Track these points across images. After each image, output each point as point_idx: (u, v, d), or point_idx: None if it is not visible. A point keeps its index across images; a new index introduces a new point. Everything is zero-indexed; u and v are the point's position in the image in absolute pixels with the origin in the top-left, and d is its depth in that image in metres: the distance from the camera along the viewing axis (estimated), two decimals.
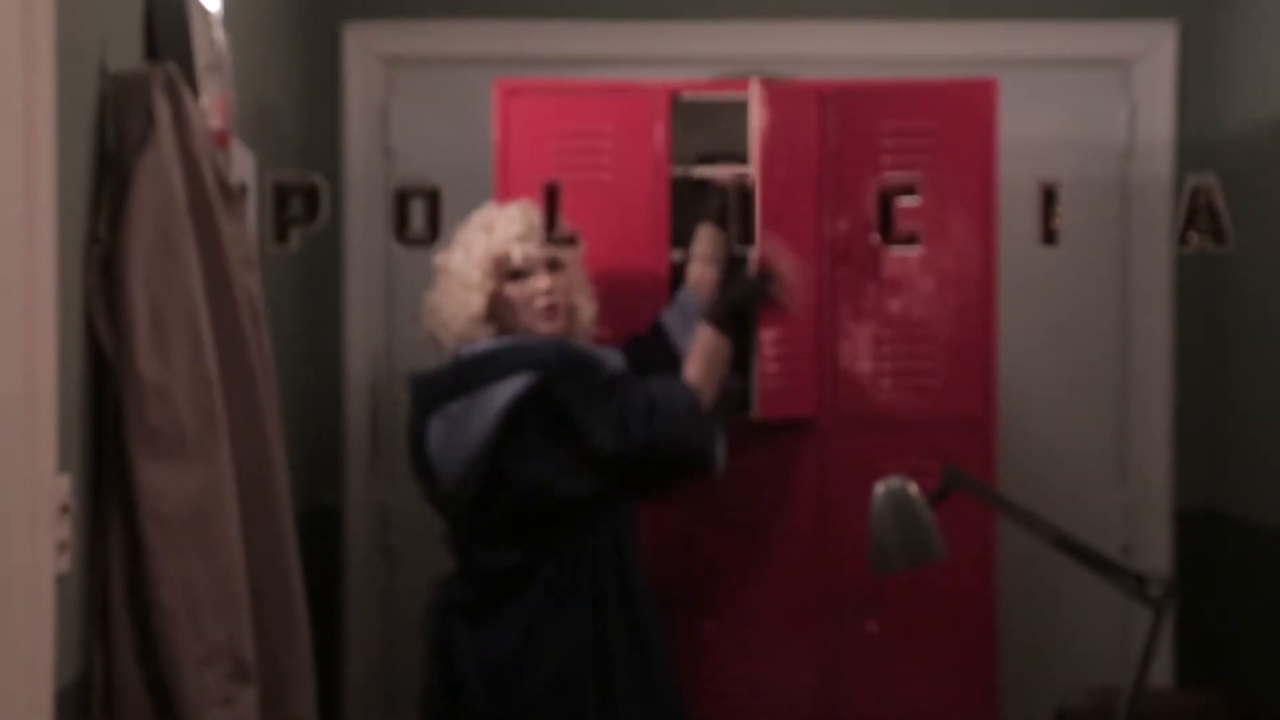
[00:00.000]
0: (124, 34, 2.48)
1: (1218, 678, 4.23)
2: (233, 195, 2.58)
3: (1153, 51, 4.30)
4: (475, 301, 3.33)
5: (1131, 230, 4.33)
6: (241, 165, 3.06)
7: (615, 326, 3.59)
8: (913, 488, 2.98)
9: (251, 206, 3.14)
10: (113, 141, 2.34)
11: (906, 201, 3.58)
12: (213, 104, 2.68)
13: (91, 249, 2.28)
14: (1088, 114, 4.34)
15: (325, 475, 4.25)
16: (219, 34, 2.79)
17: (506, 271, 3.35)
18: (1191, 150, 4.27)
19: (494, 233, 3.36)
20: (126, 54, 2.46)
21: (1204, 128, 4.29)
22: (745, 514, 3.70)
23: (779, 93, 3.62)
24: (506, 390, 3.19)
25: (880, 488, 3.00)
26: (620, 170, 3.67)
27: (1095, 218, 4.32)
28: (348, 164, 4.27)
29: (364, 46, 4.29)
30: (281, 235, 3.47)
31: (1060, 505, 3.94)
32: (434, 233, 3.55)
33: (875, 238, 3.63)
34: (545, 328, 3.35)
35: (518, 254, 3.33)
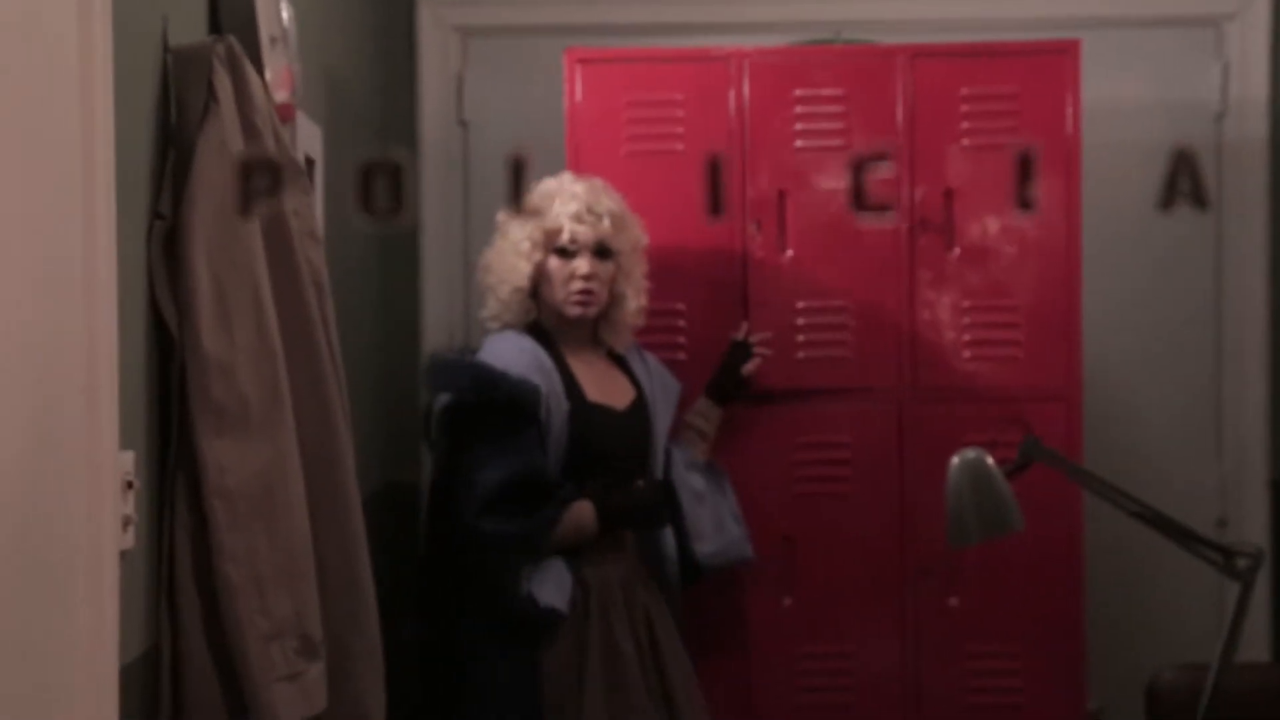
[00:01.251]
0: (188, 9, 2.46)
1: None
2: (297, 169, 2.56)
3: (1246, 8, 4.19)
4: (522, 270, 3.36)
5: (1225, 193, 4.23)
6: (309, 139, 3.04)
7: (687, 297, 3.56)
8: (989, 459, 2.93)
9: (319, 179, 3.13)
10: (174, 116, 2.32)
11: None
12: (277, 77, 2.66)
13: (154, 225, 2.27)
14: (1178, 74, 4.23)
15: (404, 451, 4.24)
16: (285, 6, 2.77)
17: (553, 246, 3.36)
18: None
19: (552, 205, 3.37)
20: (190, 29, 2.45)
21: None
22: (825, 488, 3.65)
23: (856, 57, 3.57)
24: (440, 403, 3.31)
25: (956, 460, 2.95)
26: (694, 139, 3.63)
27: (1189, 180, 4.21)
28: (423, 136, 4.26)
29: (438, 18, 4.27)
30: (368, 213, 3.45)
31: (1152, 478, 3.89)
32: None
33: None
34: (574, 312, 3.38)
35: (567, 231, 3.34)
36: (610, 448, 3.38)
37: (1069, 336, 3.62)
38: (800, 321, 3.65)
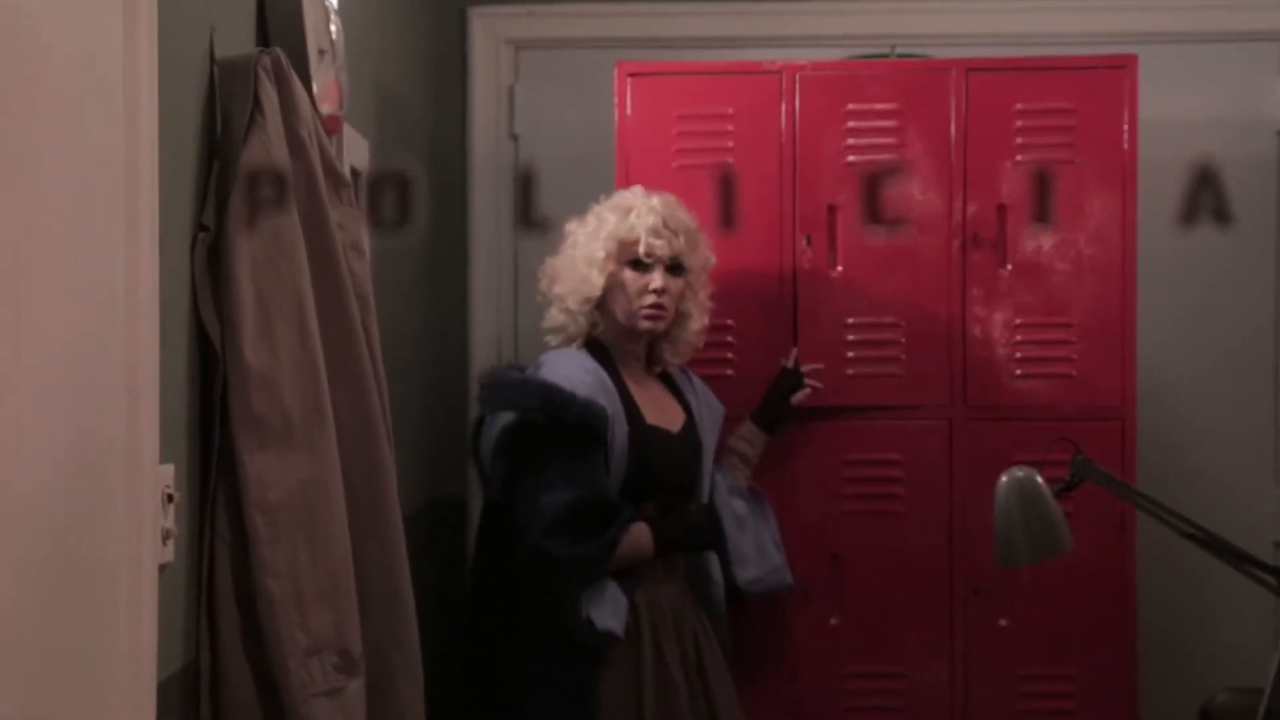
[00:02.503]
0: (236, 21, 2.46)
1: None
2: (342, 181, 2.55)
3: None
4: (594, 281, 3.31)
5: None
6: (355, 151, 3.04)
7: (736, 313, 3.54)
8: (1039, 478, 2.88)
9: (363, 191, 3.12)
10: (219, 128, 2.32)
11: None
12: (325, 90, 2.66)
13: (198, 237, 2.26)
14: (1238, 90, 4.18)
15: (451, 467, 4.23)
16: (334, 19, 2.77)
17: (628, 258, 3.32)
18: None
19: (629, 216, 3.32)
20: (238, 41, 2.45)
21: None
22: (874, 506, 3.62)
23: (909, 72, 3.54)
24: (501, 420, 3.24)
25: (1005, 479, 2.91)
26: (744, 153, 3.61)
27: (1248, 197, 4.16)
28: (473, 149, 4.25)
29: (489, 30, 4.26)
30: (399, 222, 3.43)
31: (1209, 498, 3.84)
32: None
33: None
34: (644, 325, 3.33)
35: (644, 244, 3.30)
36: (666, 471, 3.34)
37: (1124, 354, 3.57)
38: (850, 338, 3.62)
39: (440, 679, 2.64)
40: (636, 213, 3.32)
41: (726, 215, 3.26)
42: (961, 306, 3.59)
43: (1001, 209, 3.56)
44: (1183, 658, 4.13)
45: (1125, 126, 3.55)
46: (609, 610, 3.18)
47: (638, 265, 3.32)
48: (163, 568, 2.11)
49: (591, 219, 3.37)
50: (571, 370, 3.26)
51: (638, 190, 3.40)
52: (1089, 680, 3.59)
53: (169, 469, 2.13)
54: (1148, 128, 3.61)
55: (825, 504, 3.61)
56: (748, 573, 3.46)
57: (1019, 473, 2.90)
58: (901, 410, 3.61)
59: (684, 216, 3.36)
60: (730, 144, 3.62)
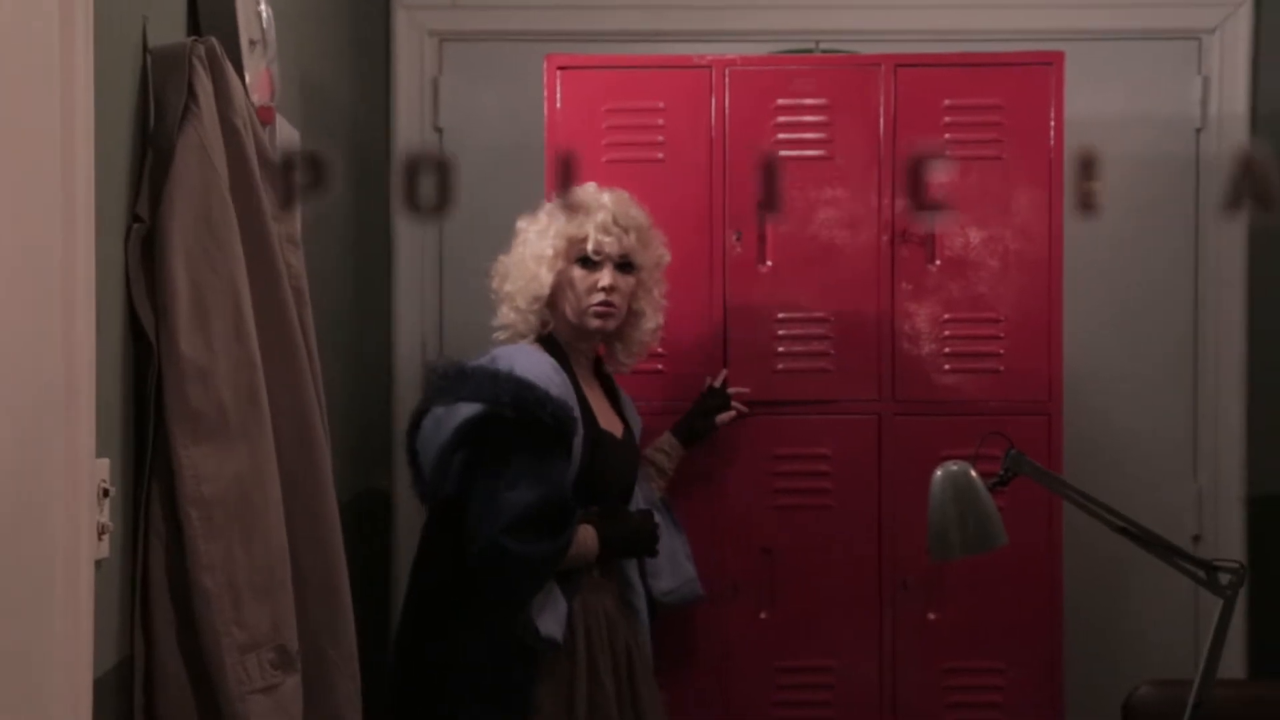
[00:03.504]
0: (168, 10, 2.43)
1: None
2: (277, 172, 2.52)
3: (1226, 23, 4.18)
4: (543, 278, 3.27)
5: (1205, 206, 4.21)
6: (287, 142, 3.00)
7: (667, 311, 3.53)
8: (973, 472, 2.90)
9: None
10: (153, 118, 2.28)
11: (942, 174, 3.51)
12: (257, 80, 2.63)
13: (132, 228, 2.23)
14: (1159, 88, 4.22)
15: (376, 459, 4.20)
16: (264, 9, 2.73)
17: (577, 255, 3.28)
18: (1266, 124, 4.15)
19: (578, 213, 3.29)
20: (170, 30, 2.41)
21: (1279, 101, 4.17)
22: (804, 500, 3.63)
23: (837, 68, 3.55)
24: (463, 411, 3.14)
25: (939, 473, 2.92)
26: (674, 148, 3.61)
27: (1167, 194, 4.21)
28: (397, 141, 4.22)
29: (413, 23, 4.23)
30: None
31: (1130, 492, 3.88)
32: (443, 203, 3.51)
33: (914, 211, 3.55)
34: (594, 324, 3.29)
35: (593, 241, 3.26)
36: (613, 476, 3.30)
37: (1050, 350, 3.60)
38: (780, 333, 3.63)
39: (366, 674, 2.61)
40: (586, 209, 3.29)
41: (770, 200, 3.28)
42: (890, 302, 3.61)
43: (911, 205, 3.57)
44: (1106, 651, 4.17)
45: (1052, 123, 3.58)
46: (551, 616, 3.13)
47: (587, 263, 3.27)
48: (99, 563, 2.08)
49: (542, 216, 3.33)
50: (538, 368, 3.19)
51: (589, 187, 3.35)
52: (1016, 673, 3.62)
53: (104, 463, 2.10)
54: (1073, 125, 3.64)
55: (755, 498, 3.62)
56: (662, 584, 3.44)
57: (953, 467, 2.91)
58: (831, 405, 3.62)
59: (635, 213, 3.32)
60: (660, 138, 3.61)
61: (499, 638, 3.13)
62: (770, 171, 3.11)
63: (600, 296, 3.26)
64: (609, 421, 3.33)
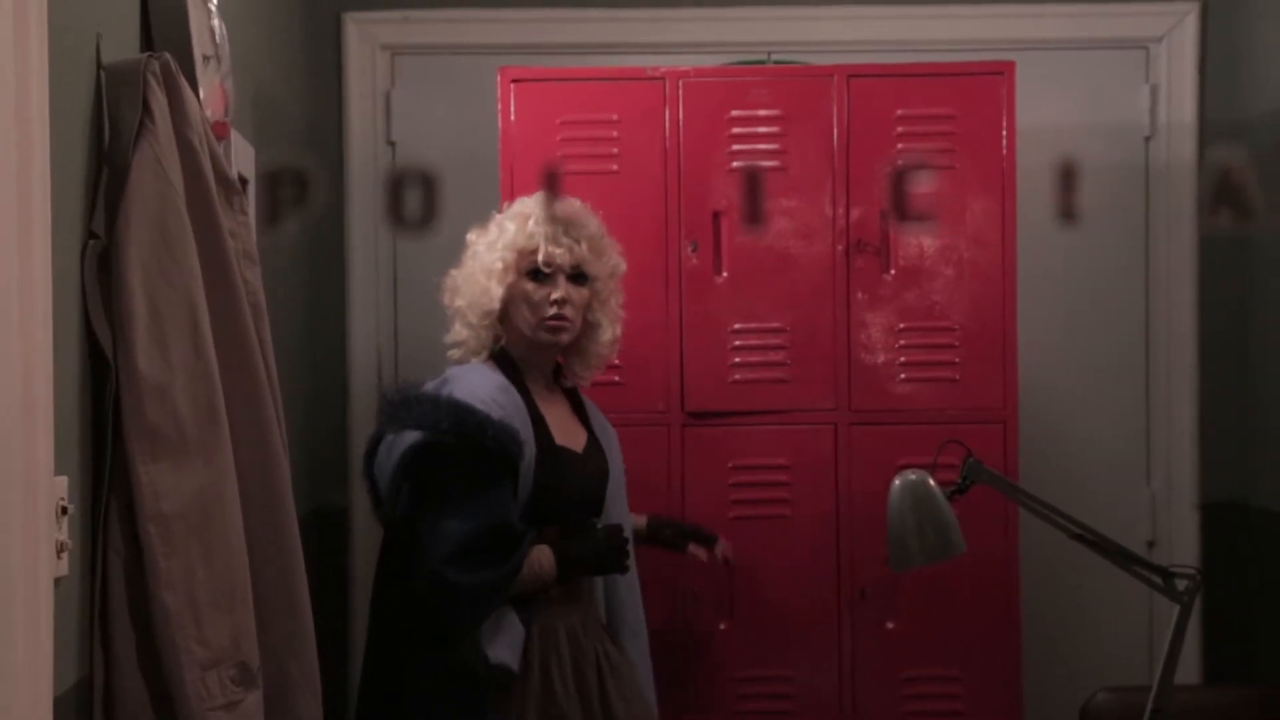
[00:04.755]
0: (120, 26, 2.41)
1: (1247, 674, 4.15)
2: (232, 188, 2.51)
3: (1174, 32, 4.22)
4: (494, 293, 3.18)
5: (1154, 214, 4.25)
6: (242, 157, 2.99)
7: (624, 323, 3.53)
8: (931, 481, 2.91)
9: (251, 198, 3.08)
10: (108, 134, 2.27)
11: (921, 185, 3.52)
12: (211, 95, 2.62)
13: (88, 245, 2.22)
14: (1108, 96, 4.26)
15: (332, 475, 4.18)
16: (218, 24, 2.72)
17: (528, 268, 3.19)
18: (1215, 132, 4.19)
19: (528, 224, 3.21)
20: (123, 46, 2.40)
21: (1227, 109, 4.21)
22: (761, 510, 3.63)
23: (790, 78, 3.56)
24: (407, 439, 3.06)
25: (898, 482, 2.93)
26: (629, 159, 3.61)
27: (1117, 202, 4.24)
28: (350, 155, 4.21)
29: (365, 36, 4.22)
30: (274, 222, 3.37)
31: (1084, 499, 3.90)
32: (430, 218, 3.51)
33: (890, 220, 3.56)
34: (546, 338, 3.21)
35: (543, 253, 3.18)
36: (572, 493, 3.19)
37: (1005, 358, 3.62)
38: (736, 343, 3.63)
39: (327, 690, 2.59)
40: (534, 220, 3.20)
41: (753, 212, 3.21)
42: (846, 311, 3.62)
43: (884, 214, 3.60)
44: (1063, 658, 4.19)
45: (1004, 132, 3.60)
46: (503, 642, 3.03)
47: (538, 275, 3.18)
48: (58, 581, 2.06)
49: (492, 228, 3.26)
50: (483, 389, 3.11)
51: (539, 196, 3.28)
52: (974, 681, 3.63)
53: (63, 481, 2.09)
54: (1024, 134, 3.66)
55: (713, 509, 3.62)
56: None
57: (911, 475, 2.92)
58: (787, 415, 3.63)
59: (587, 222, 3.25)
60: (615, 150, 3.62)
61: (450, 664, 3.04)
62: (753, 183, 3.08)
63: (553, 310, 3.18)
64: (568, 436, 3.24)
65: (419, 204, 3.63)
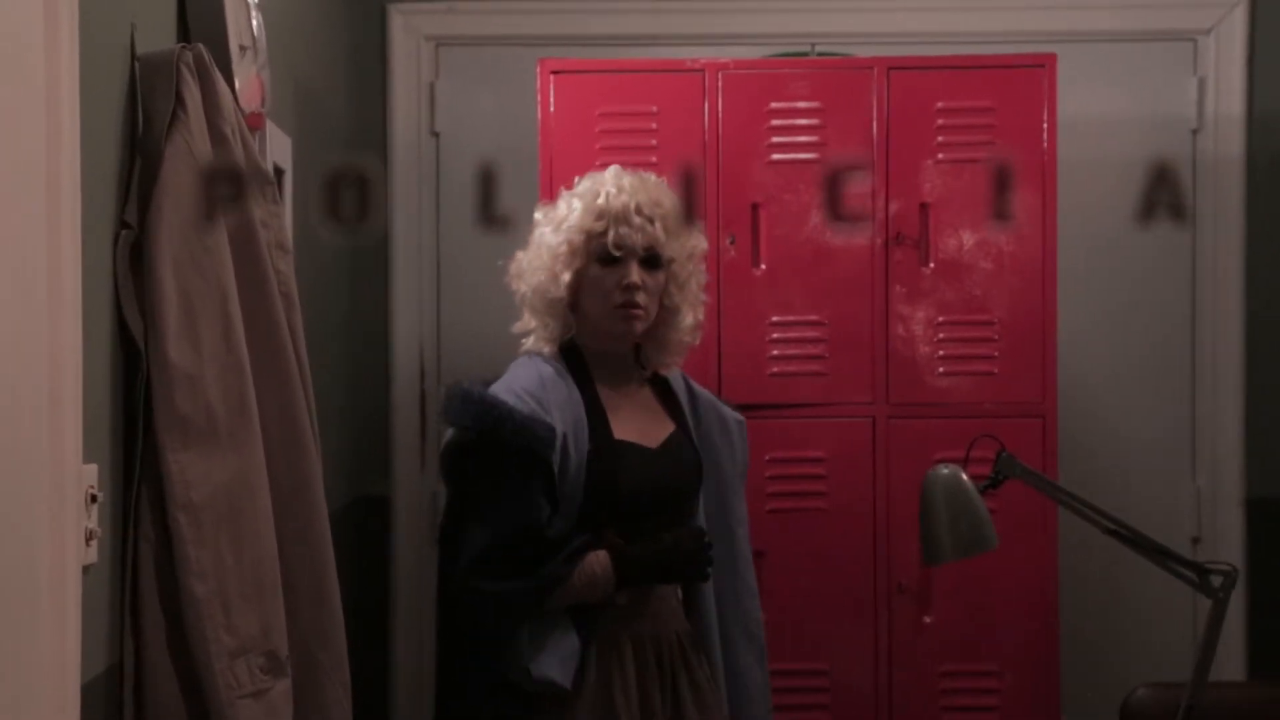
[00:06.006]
0: (156, 16, 2.43)
1: None
2: (266, 178, 2.53)
3: (1222, 24, 4.18)
4: (562, 277, 2.96)
5: (1202, 208, 4.21)
6: (278, 148, 3.01)
7: None
8: (964, 476, 2.89)
9: (288, 189, 3.09)
10: (141, 125, 2.29)
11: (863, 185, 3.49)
12: (247, 86, 2.63)
13: (120, 234, 2.24)
14: (1155, 89, 4.22)
15: (374, 464, 4.20)
16: (255, 15, 2.74)
17: (596, 251, 2.97)
18: (1263, 125, 4.15)
19: (595, 202, 2.98)
20: (159, 37, 2.42)
21: (1276, 102, 4.16)
22: (798, 503, 3.63)
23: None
24: (445, 439, 2.95)
25: (930, 476, 2.92)
26: (667, 151, 3.61)
27: (1165, 196, 4.20)
28: (394, 146, 4.22)
29: (410, 27, 4.24)
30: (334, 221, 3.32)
31: (1127, 495, 3.88)
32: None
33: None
34: (619, 328, 2.98)
35: (613, 235, 2.94)
36: (638, 492, 2.94)
37: (1044, 352, 3.60)
38: (774, 336, 3.63)
39: (359, 680, 2.61)
40: (604, 196, 2.96)
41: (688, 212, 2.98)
42: (884, 304, 3.61)
43: (924, 207, 3.58)
44: (1103, 654, 4.17)
45: (1045, 125, 3.58)
46: (553, 657, 2.83)
47: (608, 259, 2.95)
48: (86, 569, 2.08)
49: (561, 205, 3.02)
50: (522, 381, 2.93)
51: (611, 171, 3.04)
52: (1012, 677, 3.61)
53: (92, 469, 2.10)
54: (1066, 126, 3.64)
55: (751, 501, 3.57)
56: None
57: (944, 470, 2.91)
58: (825, 408, 3.62)
59: (662, 198, 3.00)
60: (654, 142, 3.61)
61: (495, 677, 2.88)
62: (689, 183, 2.97)
63: (621, 297, 2.94)
64: (642, 430, 3.01)
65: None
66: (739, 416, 3.19)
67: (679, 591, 3.06)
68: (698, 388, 3.19)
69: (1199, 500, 4.23)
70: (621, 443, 2.96)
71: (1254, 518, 4.20)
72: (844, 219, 3.36)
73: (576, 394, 2.96)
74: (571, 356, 3.02)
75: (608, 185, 2.99)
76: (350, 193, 2.05)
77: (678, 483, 3.03)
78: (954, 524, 2.89)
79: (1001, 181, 2.60)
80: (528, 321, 3.05)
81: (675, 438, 3.06)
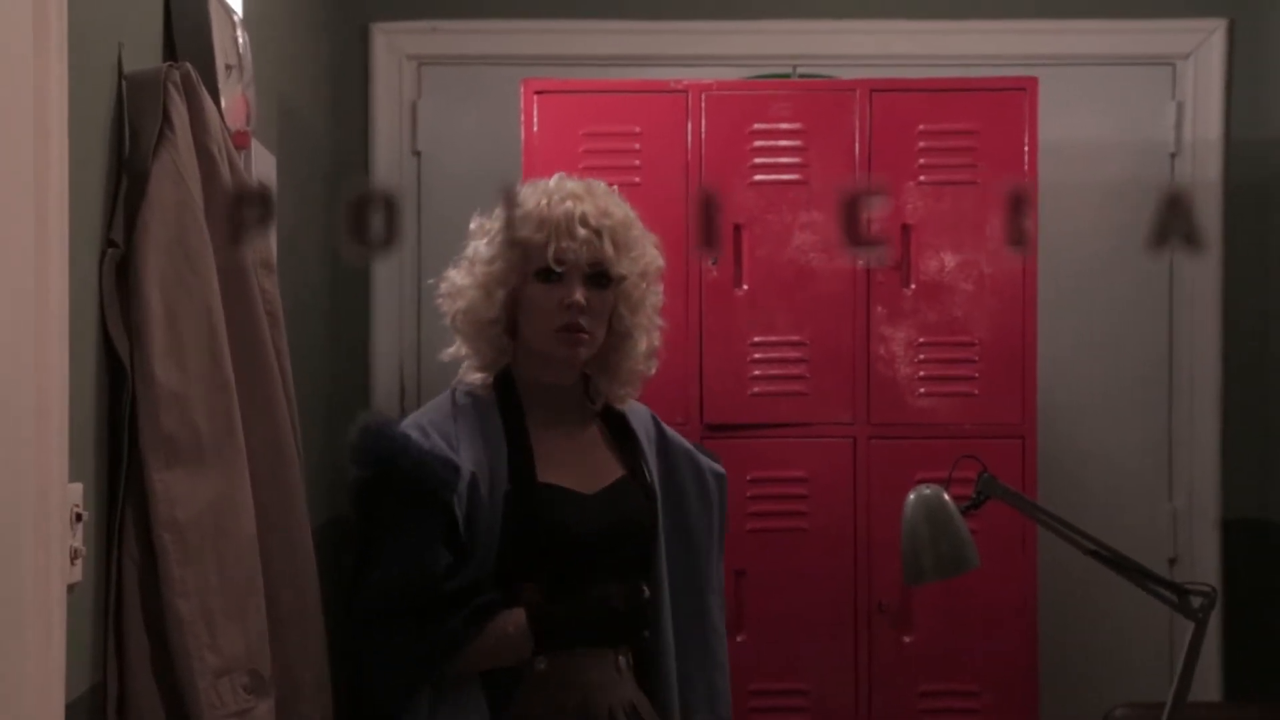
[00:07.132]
0: (143, 35, 2.43)
1: (1268, 691, 4.13)
2: (251, 197, 2.53)
3: (1201, 49, 4.21)
4: (495, 296, 2.63)
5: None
6: (263, 167, 3.01)
7: None
8: (945, 496, 2.90)
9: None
10: (128, 143, 2.29)
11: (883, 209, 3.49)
12: (233, 104, 2.63)
13: (106, 253, 2.24)
14: (1134, 113, 4.25)
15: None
16: (241, 34, 2.74)
17: (534, 268, 2.64)
18: (1240, 150, 4.18)
19: (534, 210, 2.63)
20: (145, 55, 2.42)
21: (1254, 127, 4.20)
22: (778, 523, 3.63)
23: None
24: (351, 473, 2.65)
25: (912, 496, 2.93)
26: (651, 172, 3.62)
27: (1142, 219, 4.20)
28: (376, 165, 4.22)
29: (391, 47, 4.24)
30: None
31: (1105, 515, 3.89)
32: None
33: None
34: (560, 353, 2.64)
35: (553, 248, 2.60)
36: (564, 543, 2.60)
37: (1025, 374, 3.62)
38: (755, 356, 3.63)
39: (340, 700, 2.61)
40: (545, 205, 2.62)
41: (707, 238, 2.78)
42: (866, 325, 3.62)
43: (905, 229, 3.60)
44: (1080, 674, 4.18)
45: (1026, 148, 3.60)
46: None
47: (549, 275, 2.62)
48: (71, 587, 2.08)
49: (497, 214, 2.69)
50: (434, 413, 2.65)
51: (555, 177, 2.73)
52: (991, 696, 3.62)
53: (78, 487, 2.10)
54: (1047, 150, 3.66)
55: (731, 521, 3.60)
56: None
57: (926, 490, 2.92)
58: (806, 428, 3.63)
59: (611, 208, 2.67)
60: (637, 162, 3.62)
61: None
62: (708, 207, 2.89)
63: (566, 318, 2.61)
64: (572, 474, 2.67)
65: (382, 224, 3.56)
66: (719, 469, 2.87)
67: (624, 658, 2.68)
68: (671, 432, 2.88)
69: (1175, 521, 4.25)
70: (547, 486, 2.62)
71: (1230, 538, 4.22)
72: (863, 245, 3.33)
73: (499, 429, 2.64)
74: (505, 388, 2.70)
75: (550, 192, 2.66)
76: (377, 216, 2.05)
77: (617, 534, 2.67)
78: (935, 544, 2.89)
79: (1018, 206, 2.59)
80: (458, 348, 2.74)
81: (622, 485, 2.71)
